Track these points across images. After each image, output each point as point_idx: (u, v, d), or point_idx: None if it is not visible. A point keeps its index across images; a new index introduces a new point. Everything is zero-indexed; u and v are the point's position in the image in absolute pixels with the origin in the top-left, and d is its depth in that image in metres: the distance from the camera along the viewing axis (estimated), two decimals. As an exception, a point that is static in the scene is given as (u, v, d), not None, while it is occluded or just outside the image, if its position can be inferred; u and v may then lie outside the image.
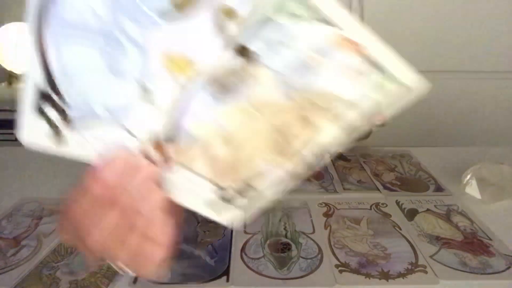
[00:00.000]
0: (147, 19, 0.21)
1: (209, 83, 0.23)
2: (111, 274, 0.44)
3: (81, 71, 0.22)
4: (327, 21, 0.21)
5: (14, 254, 0.47)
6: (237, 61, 0.22)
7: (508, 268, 0.45)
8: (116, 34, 0.21)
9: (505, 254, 0.47)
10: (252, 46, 0.22)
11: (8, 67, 1.44)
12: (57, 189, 0.64)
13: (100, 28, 0.21)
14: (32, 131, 0.25)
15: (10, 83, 1.50)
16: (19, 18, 1.45)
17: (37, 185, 0.65)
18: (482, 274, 0.44)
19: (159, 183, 0.25)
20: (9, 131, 1.35)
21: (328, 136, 0.24)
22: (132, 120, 0.24)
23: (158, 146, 0.25)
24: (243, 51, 0.22)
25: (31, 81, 0.23)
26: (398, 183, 0.66)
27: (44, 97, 0.23)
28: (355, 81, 0.22)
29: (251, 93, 0.23)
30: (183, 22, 0.21)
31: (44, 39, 0.22)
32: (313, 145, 0.24)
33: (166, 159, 0.25)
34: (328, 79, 0.22)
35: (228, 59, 0.22)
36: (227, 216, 0.27)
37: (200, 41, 0.21)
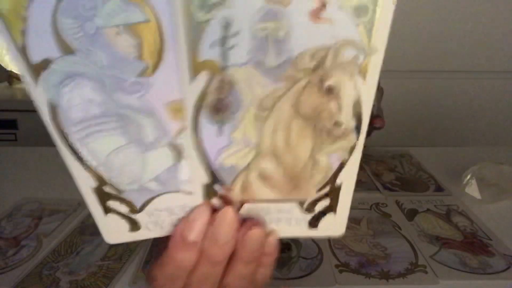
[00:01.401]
0: (135, 85, 0.21)
1: (205, 113, 0.22)
2: (111, 274, 0.44)
3: (117, 159, 0.23)
4: None
5: (14, 254, 0.47)
6: (210, 78, 0.21)
7: (508, 268, 0.45)
8: (122, 112, 0.22)
9: (505, 254, 0.47)
10: (209, 56, 0.20)
11: (8, 67, 1.44)
12: (57, 189, 0.64)
13: (106, 114, 0.22)
14: (112, 230, 0.25)
15: (10, 83, 1.50)
16: (19, 18, 1.45)
17: (37, 185, 0.65)
18: (482, 274, 0.44)
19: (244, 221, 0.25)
20: (9, 131, 1.35)
21: (351, 90, 0.22)
22: (181, 180, 0.24)
23: (215, 194, 0.24)
24: (208, 66, 0.21)
25: (86, 186, 0.24)
26: (398, 183, 0.66)
27: (104, 195, 0.24)
28: (327, 20, 0.20)
29: (246, 99, 0.22)
30: (161, 70, 0.21)
31: (72, 143, 0.22)
32: (346, 108, 0.22)
33: (231, 202, 0.24)
34: (301, 38, 0.20)
35: (202, 81, 0.21)
36: (326, 227, 0.25)
37: (176, 79, 0.21)
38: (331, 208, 0.25)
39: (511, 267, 0.45)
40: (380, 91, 0.70)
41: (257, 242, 0.24)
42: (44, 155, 0.79)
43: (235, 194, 0.24)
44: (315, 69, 0.21)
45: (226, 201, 0.24)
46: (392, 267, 0.45)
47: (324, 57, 0.21)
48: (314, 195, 0.25)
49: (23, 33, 0.20)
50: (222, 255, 0.24)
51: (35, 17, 0.20)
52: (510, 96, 1.29)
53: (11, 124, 1.34)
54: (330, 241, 0.49)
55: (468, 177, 0.62)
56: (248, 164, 0.23)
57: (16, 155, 0.78)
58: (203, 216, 0.24)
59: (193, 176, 0.24)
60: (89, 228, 0.53)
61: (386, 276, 0.44)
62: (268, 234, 0.25)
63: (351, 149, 0.23)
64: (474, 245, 0.49)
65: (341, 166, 0.24)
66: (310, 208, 0.25)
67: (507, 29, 1.22)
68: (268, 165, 0.24)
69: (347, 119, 0.22)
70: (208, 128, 0.22)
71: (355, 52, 0.21)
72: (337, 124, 0.23)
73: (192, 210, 0.24)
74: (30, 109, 1.31)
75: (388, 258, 0.47)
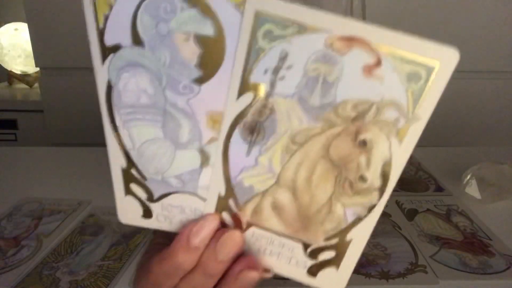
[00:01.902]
0: (186, 88, 0.23)
1: (239, 131, 0.23)
2: (111, 274, 0.44)
3: (150, 148, 0.25)
4: (313, 29, 0.20)
5: (14, 254, 0.47)
6: (254, 101, 0.22)
7: (508, 268, 0.45)
8: (168, 109, 0.24)
9: (505, 254, 0.47)
10: (260, 80, 0.22)
11: (8, 67, 1.44)
12: (57, 189, 0.64)
13: (154, 107, 0.24)
14: (127, 211, 0.27)
15: (10, 83, 1.50)
16: (18, 18, 1.45)
17: (37, 185, 0.65)
18: (482, 274, 0.44)
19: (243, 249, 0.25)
20: (9, 131, 1.35)
21: (384, 150, 0.21)
22: (200, 185, 0.25)
23: (227, 208, 0.25)
24: (256, 88, 0.22)
25: (116, 164, 0.25)
26: (398, 183, 0.66)
27: (129, 177, 0.26)
28: (378, 78, 0.20)
29: (281, 128, 0.22)
30: (212, 82, 0.23)
31: (116, 123, 0.24)
32: (375, 165, 0.22)
33: (240, 222, 0.25)
34: (348, 87, 0.21)
35: (246, 100, 0.22)
36: (325, 280, 0.25)
37: (223, 93, 0.23)
38: (335, 262, 0.24)
39: (511, 267, 0.45)
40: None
41: (250, 284, 0.24)
42: (44, 155, 0.79)
43: (245, 214, 0.24)
44: (355, 119, 0.21)
45: (236, 219, 0.25)
46: (392, 267, 0.45)
47: (366, 110, 0.21)
48: (320, 243, 0.24)
49: (106, 18, 0.22)
50: (216, 270, 0.24)
51: (121, 7, 0.22)
52: (510, 96, 1.29)
53: (11, 124, 1.34)
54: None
55: (468, 177, 0.62)
56: (266, 190, 0.24)
57: (16, 155, 0.78)
58: (210, 226, 0.24)
59: (212, 184, 0.25)
60: (89, 228, 0.53)
61: (386, 276, 0.44)
62: (263, 271, 0.25)
63: (370, 208, 0.23)
64: (474, 245, 0.49)
65: (356, 222, 0.23)
66: (313, 254, 0.25)
67: (507, 29, 1.22)
68: (284, 197, 0.24)
69: (373, 177, 0.22)
70: (238, 145, 0.23)
71: (397, 115, 0.21)
72: (362, 178, 0.22)
73: (203, 216, 0.25)
74: (30, 109, 1.31)
75: (388, 258, 0.47)
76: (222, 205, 0.25)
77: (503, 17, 1.21)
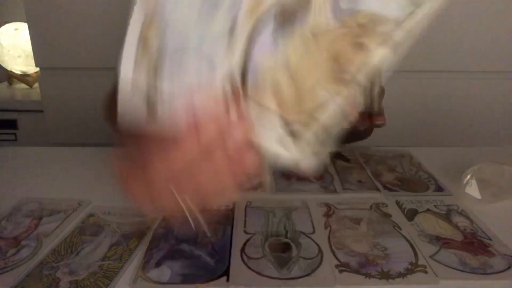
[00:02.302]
0: None
1: (277, 15, 0.25)
2: (111, 274, 0.44)
3: (181, 3, 0.26)
4: None
5: (14, 254, 0.47)
6: None
7: (508, 268, 0.45)
8: None
9: (505, 254, 0.47)
10: None
11: (8, 67, 1.44)
12: (57, 189, 0.64)
13: None
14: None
15: (10, 83, 1.50)
16: (18, 18, 1.45)
17: (37, 185, 0.65)
18: (482, 274, 0.44)
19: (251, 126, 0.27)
20: (9, 131, 1.35)
21: (379, 57, 0.26)
22: (217, 52, 0.26)
23: (234, 80, 0.27)
24: None
25: (136, 26, 0.27)
26: (398, 183, 0.66)
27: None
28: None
29: (309, 20, 0.25)
30: None
31: None
32: (365, 68, 0.26)
33: (242, 95, 0.27)
34: (372, 1, 0.25)
35: None
36: (296, 151, 0.28)
37: None
38: (301, 135, 0.28)
39: (511, 267, 0.45)
40: (381, 90, 0.70)
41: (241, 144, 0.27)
42: (44, 155, 0.79)
43: (249, 90, 0.27)
44: (361, 25, 0.25)
45: (241, 91, 0.27)
46: (392, 267, 0.45)
47: (373, 20, 0.25)
48: (295, 118, 0.28)
49: None
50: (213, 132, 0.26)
51: None
52: (510, 96, 1.29)
53: (11, 124, 1.34)
54: (330, 241, 0.49)
55: (468, 177, 0.62)
56: (275, 74, 0.26)
57: (16, 155, 0.78)
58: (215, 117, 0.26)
59: (232, 56, 0.26)
60: (89, 228, 0.53)
61: (386, 276, 0.44)
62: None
63: (347, 101, 0.27)
64: (474, 245, 0.49)
65: (328, 107, 0.27)
66: (288, 127, 0.28)
67: (507, 29, 1.22)
68: (287, 83, 0.27)
69: (359, 75, 0.26)
70: (268, 24, 0.25)
71: (393, 28, 0.25)
72: (348, 73, 0.26)
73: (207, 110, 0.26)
74: (30, 109, 1.31)
75: (388, 258, 0.47)
76: (233, 77, 0.26)
77: (504, 17, 1.21)
